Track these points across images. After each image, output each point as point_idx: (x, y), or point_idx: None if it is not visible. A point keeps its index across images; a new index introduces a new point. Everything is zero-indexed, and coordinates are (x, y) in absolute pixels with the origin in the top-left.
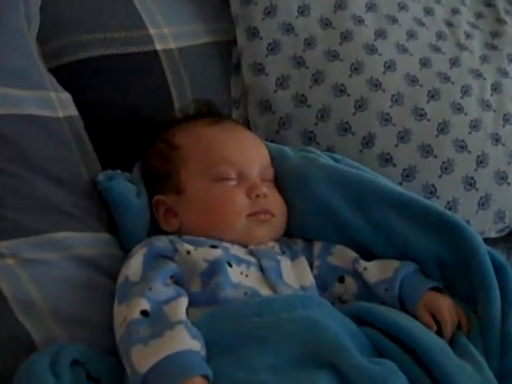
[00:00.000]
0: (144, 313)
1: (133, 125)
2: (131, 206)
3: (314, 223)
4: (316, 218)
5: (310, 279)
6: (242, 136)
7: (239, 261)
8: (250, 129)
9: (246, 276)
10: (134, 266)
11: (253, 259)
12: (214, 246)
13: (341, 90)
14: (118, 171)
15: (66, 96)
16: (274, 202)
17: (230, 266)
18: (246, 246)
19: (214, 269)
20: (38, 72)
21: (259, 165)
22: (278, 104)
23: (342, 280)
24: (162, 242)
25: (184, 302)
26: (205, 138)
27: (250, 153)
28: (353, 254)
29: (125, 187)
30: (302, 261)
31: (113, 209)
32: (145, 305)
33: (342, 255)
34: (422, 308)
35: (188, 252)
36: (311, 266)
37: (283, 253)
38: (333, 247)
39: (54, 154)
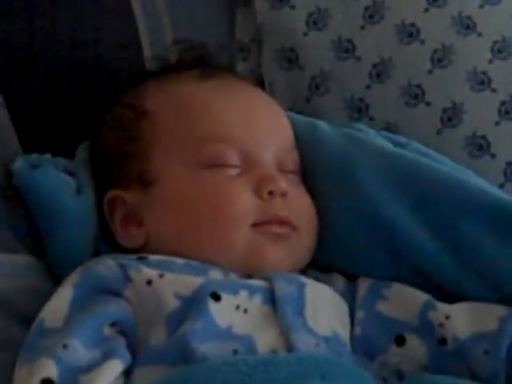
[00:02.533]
0: (47, 383)
1: (76, 83)
2: (65, 211)
3: (358, 243)
4: (361, 235)
5: (347, 337)
6: (250, 99)
7: (236, 287)
8: (263, 90)
9: (245, 312)
10: (57, 304)
11: (260, 282)
12: (192, 274)
13: (410, 34)
14: (48, 156)
15: None
16: (298, 207)
17: (217, 298)
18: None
19: (188, 309)
20: None
21: (276, 146)
22: (309, 54)
23: (401, 341)
24: (104, 267)
25: (112, 368)
26: (189, 101)
27: (261, 126)
28: (420, 297)
29: (56, 180)
30: (343, 307)
31: (37, 215)
32: (51, 371)
33: (402, 299)
34: None
35: (149, 282)
36: (352, 322)
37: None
38: (386, 288)
39: None
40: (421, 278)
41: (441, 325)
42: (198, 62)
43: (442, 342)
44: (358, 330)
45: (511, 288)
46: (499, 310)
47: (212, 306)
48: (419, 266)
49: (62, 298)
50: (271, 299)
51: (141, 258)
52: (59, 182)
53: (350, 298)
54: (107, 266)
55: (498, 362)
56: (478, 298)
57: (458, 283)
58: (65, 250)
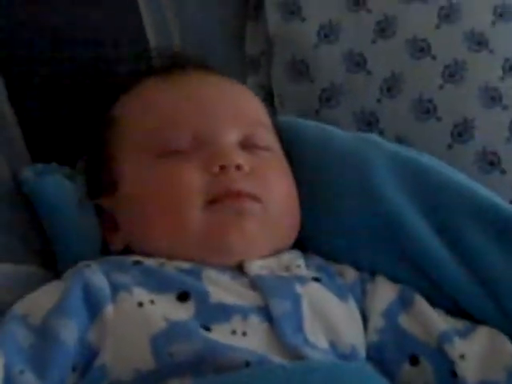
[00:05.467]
0: None
1: (82, 85)
2: (70, 218)
3: (368, 240)
4: (372, 233)
5: (355, 340)
6: (203, 88)
7: (228, 312)
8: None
9: (244, 335)
10: (42, 301)
11: (254, 298)
12: (183, 297)
13: (421, 49)
14: (54, 165)
15: None
16: (265, 182)
17: (208, 329)
18: (240, 269)
19: (178, 331)
20: None
21: (236, 125)
22: (320, 67)
23: (415, 361)
24: (96, 279)
25: None
26: (145, 100)
27: (216, 107)
28: (444, 324)
29: (61, 188)
30: (351, 307)
31: (46, 224)
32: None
33: (423, 320)
34: None
35: (140, 304)
36: (365, 323)
37: (316, 280)
38: (409, 302)
39: None
40: (428, 283)
41: (455, 362)
42: (175, 65)
43: (454, 374)
44: (375, 338)
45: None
46: (509, 358)
47: (204, 333)
48: (427, 270)
49: (51, 297)
50: (267, 317)
51: (136, 263)
52: (64, 191)
53: (360, 292)
54: (100, 281)
55: None
56: (481, 313)
57: (463, 293)
58: (74, 261)
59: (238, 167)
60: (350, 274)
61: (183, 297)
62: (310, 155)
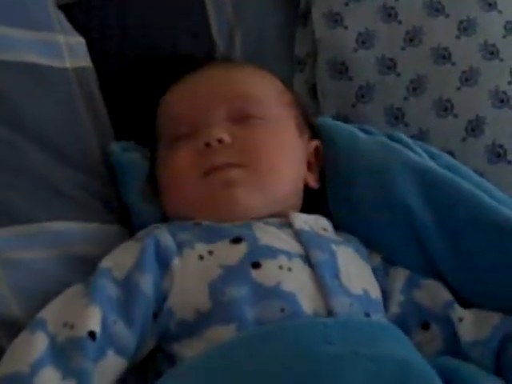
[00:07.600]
0: (92, 335)
1: (161, 87)
2: (139, 191)
3: (391, 237)
4: (396, 233)
5: (378, 293)
6: (198, 78)
7: (275, 252)
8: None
9: (289, 270)
10: (125, 259)
11: (297, 247)
12: (237, 240)
13: (443, 56)
14: (132, 142)
15: (78, 41)
16: (247, 145)
17: (257, 266)
18: (289, 225)
19: (230, 275)
20: (42, 7)
21: (224, 100)
22: (357, 68)
23: (426, 327)
24: (165, 238)
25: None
26: (162, 100)
27: (205, 92)
28: (447, 295)
29: (137, 165)
30: (369, 271)
31: (121, 191)
32: (96, 323)
33: (434, 293)
34: None
35: (201, 257)
36: (387, 299)
37: (346, 241)
38: (422, 279)
39: (57, 117)
40: (437, 275)
41: (455, 324)
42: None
43: (455, 334)
44: (397, 310)
45: (505, 302)
46: (495, 319)
47: (254, 273)
48: (438, 267)
49: (131, 255)
50: (308, 263)
51: (197, 224)
52: (141, 165)
53: (383, 274)
54: (166, 240)
55: (491, 363)
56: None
57: (462, 288)
58: (142, 225)
59: (220, 140)
60: (376, 257)
61: (237, 240)
62: (341, 156)
